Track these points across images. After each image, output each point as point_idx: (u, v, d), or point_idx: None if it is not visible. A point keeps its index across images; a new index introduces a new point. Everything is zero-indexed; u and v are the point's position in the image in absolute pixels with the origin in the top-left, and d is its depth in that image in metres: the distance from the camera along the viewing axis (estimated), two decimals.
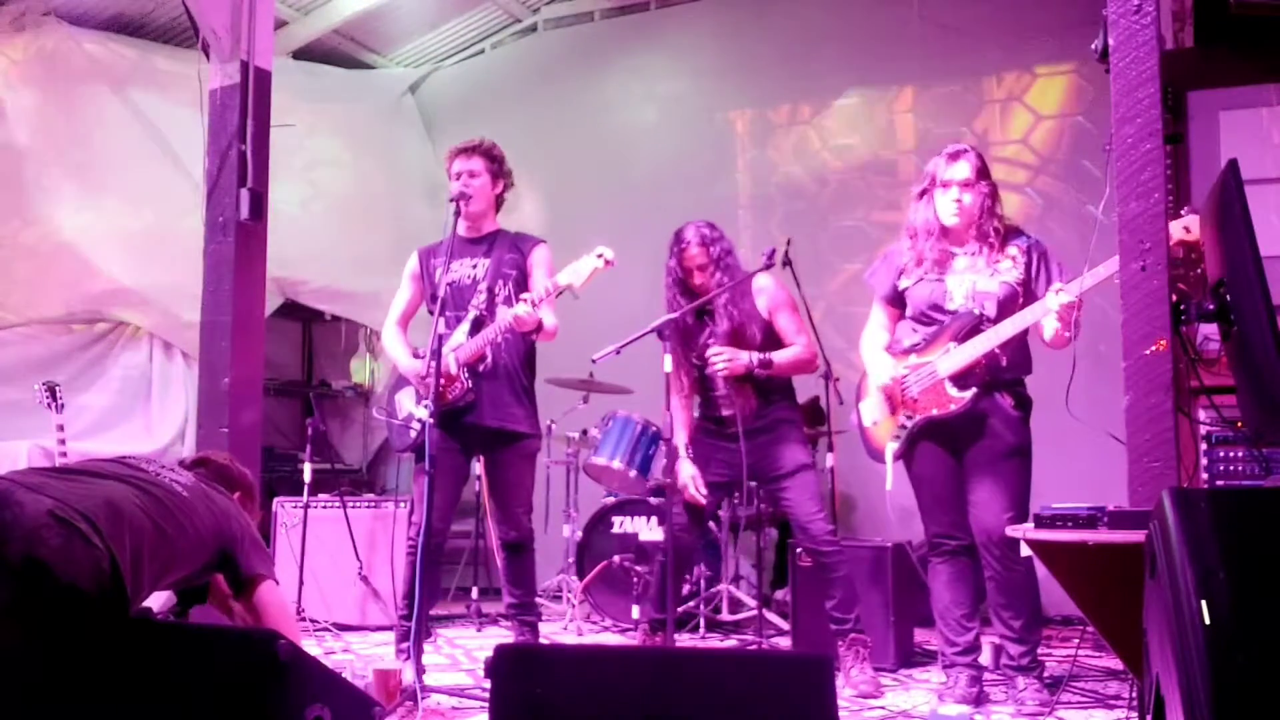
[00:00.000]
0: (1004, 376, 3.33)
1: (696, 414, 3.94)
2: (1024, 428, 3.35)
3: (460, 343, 3.66)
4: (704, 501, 3.75)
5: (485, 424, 3.70)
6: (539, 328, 3.60)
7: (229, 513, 2.66)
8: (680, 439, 3.82)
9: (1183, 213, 2.77)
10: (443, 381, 3.56)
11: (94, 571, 2.12)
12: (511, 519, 3.80)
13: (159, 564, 2.38)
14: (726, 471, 3.81)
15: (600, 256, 3.43)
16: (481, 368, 3.70)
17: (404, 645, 3.69)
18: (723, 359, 3.66)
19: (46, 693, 1.98)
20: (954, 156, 3.36)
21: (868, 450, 3.57)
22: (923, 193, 3.42)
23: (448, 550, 4.37)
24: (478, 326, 3.66)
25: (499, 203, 3.88)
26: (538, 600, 5.27)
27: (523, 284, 3.74)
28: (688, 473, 3.78)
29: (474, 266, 3.78)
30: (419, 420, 3.79)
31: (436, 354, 3.45)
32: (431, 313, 3.76)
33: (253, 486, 3.04)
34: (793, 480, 3.73)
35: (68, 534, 2.12)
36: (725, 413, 3.79)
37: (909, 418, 3.40)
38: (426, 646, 3.98)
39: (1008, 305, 3.30)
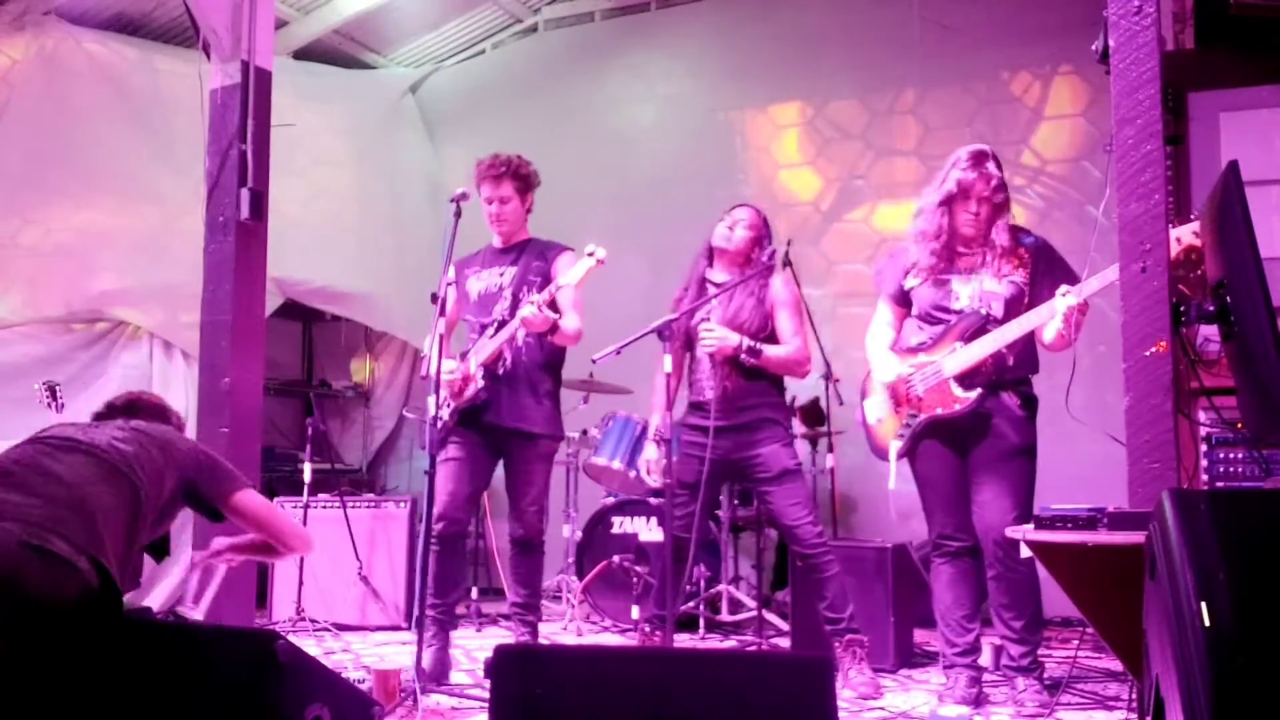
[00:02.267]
0: (1010, 376, 3.33)
1: (669, 415, 3.93)
2: (1029, 427, 3.35)
3: (483, 345, 3.74)
4: (655, 485, 3.76)
5: (503, 424, 3.76)
6: (553, 329, 3.63)
7: (170, 441, 2.49)
8: (654, 421, 3.86)
9: (1174, 222, 2.76)
10: (461, 381, 3.72)
11: (82, 590, 2.00)
12: (519, 515, 3.84)
13: (135, 534, 2.28)
14: (705, 470, 3.79)
15: (591, 255, 3.46)
16: (500, 369, 3.75)
17: (429, 636, 3.77)
18: (713, 336, 3.66)
19: (47, 694, 1.98)
20: (977, 164, 3.32)
21: (872, 448, 3.58)
22: (943, 200, 3.35)
23: None
24: (500, 329, 3.72)
25: (528, 212, 3.98)
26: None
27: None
28: (650, 455, 3.85)
29: (501, 275, 3.87)
30: (441, 420, 3.84)
31: (438, 357, 3.49)
32: (470, 320, 3.91)
33: (183, 425, 2.85)
34: (778, 486, 3.71)
35: (46, 564, 1.96)
36: (708, 395, 3.76)
37: (913, 416, 3.40)
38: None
39: (1014, 305, 3.30)
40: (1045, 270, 3.34)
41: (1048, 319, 3.17)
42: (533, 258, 3.88)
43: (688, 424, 3.85)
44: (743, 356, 3.67)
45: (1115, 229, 2.72)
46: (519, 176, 3.88)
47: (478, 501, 4.04)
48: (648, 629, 3.93)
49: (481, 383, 3.71)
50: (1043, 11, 5.53)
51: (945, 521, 3.42)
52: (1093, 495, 2.57)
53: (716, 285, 3.82)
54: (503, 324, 3.74)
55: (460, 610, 4.07)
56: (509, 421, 3.76)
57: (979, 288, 3.35)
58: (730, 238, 3.83)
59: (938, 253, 3.38)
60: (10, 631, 1.91)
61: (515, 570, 3.90)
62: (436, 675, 3.66)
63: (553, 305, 3.58)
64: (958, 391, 3.31)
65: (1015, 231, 3.41)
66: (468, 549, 4.22)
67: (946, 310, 3.38)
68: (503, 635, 4.72)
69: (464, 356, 3.85)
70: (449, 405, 3.81)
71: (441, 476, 3.68)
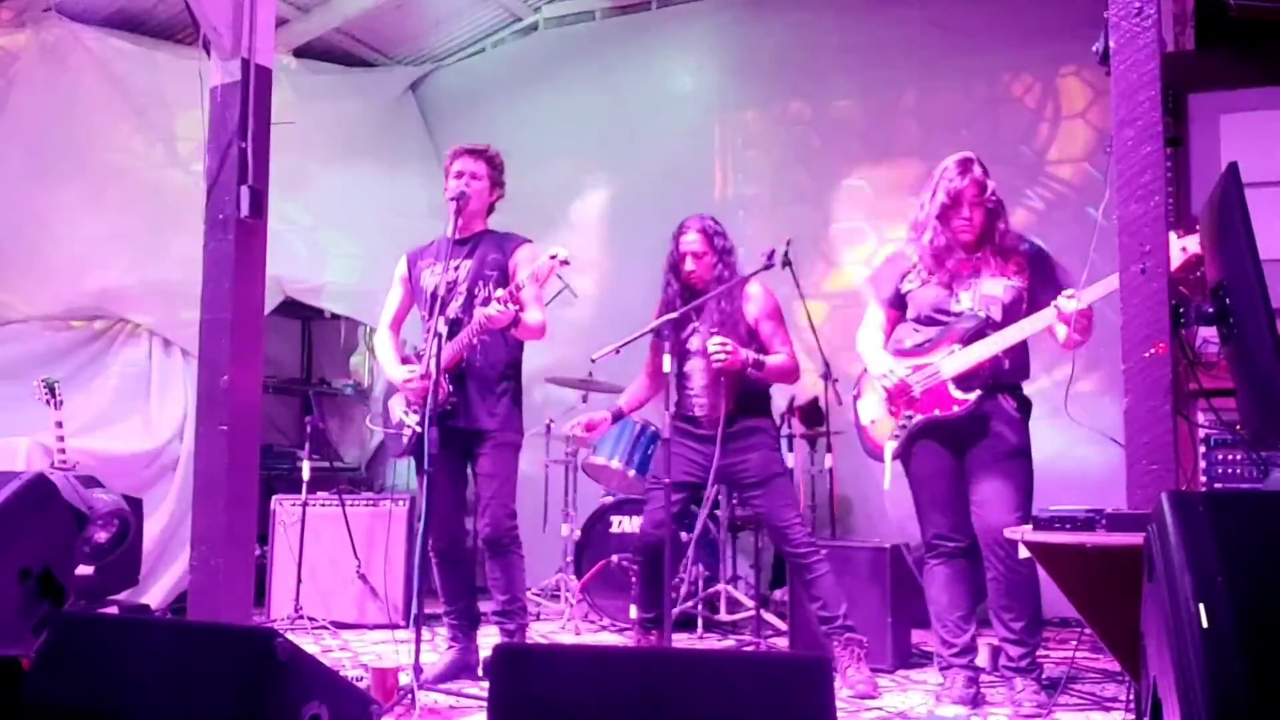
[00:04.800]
0: (1006, 379, 3.34)
1: (670, 410, 3.93)
2: (1025, 429, 3.37)
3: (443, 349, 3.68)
4: (587, 437, 4.03)
5: (460, 426, 3.72)
6: (515, 323, 3.58)
7: None
8: (621, 401, 4.05)
9: (1180, 231, 2.77)
10: (427, 388, 3.58)
11: None
12: (482, 513, 3.78)
13: None
14: (696, 472, 3.81)
15: (554, 257, 3.43)
16: (458, 370, 3.71)
17: (452, 640, 3.88)
18: (725, 350, 3.64)
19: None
20: (964, 172, 3.33)
21: (865, 449, 3.58)
22: (939, 211, 3.34)
23: None
24: (455, 329, 3.66)
25: (489, 210, 3.94)
26: (535, 598, 5.29)
27: (504, 284, 3.71)
28: (583, 419, 4.05)
29: (456, 268, 3.79)
30: (409, 427, 3.85)
31: (437, 355, 3.48)
32: (424, 315, 3.81)
33: None
34: (766, 488, 3.75)
35: None
36: (698, 412, 3.80)
37: (909, 417, 3.40)
38: (425, 646, 3.99)
39: (1013, 310, 3.31)
40: (1043, 276, 3.35)
41: (1049, 322, 3.18)
42: (489, 250, 3.82)
43: (676, 427, 3.85)
44: (749, 371, 3.70)
45: (1115, 231, 2.72)
46: (494, 165, 3.88)
47: (465, 504, 4.02)
48: (641, 628, 3.93)
49: (450, 387, 3.68)
50: (1043, 13, 5.53)
51: (941, 522, 3.43)
52: (1091, 497, 2.57)
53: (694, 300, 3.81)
54: (457, 322, 3.67)
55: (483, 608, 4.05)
56: (464, 423, 3.72)
57: (979, 291, 3.35)
58: (696, 274, 3.83)
59: (939, 262, 3.38)
60: None
61: (490, 574, 3.84)
62: (454, 675, 3.71)
63: (513, 298, 3.54)
64: (956, 393, 3.31)
65: (1014, 237, 3.42)
66: (469, 553, 4.21)
67: (946, 313, 3.39)
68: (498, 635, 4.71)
69: (419, 357, 3.81)
70: (415, 412, 3.79)
71: (426, 484, 3.59)
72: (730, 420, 3.73)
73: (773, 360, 3.76)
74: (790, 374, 3.87)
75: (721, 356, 3.64)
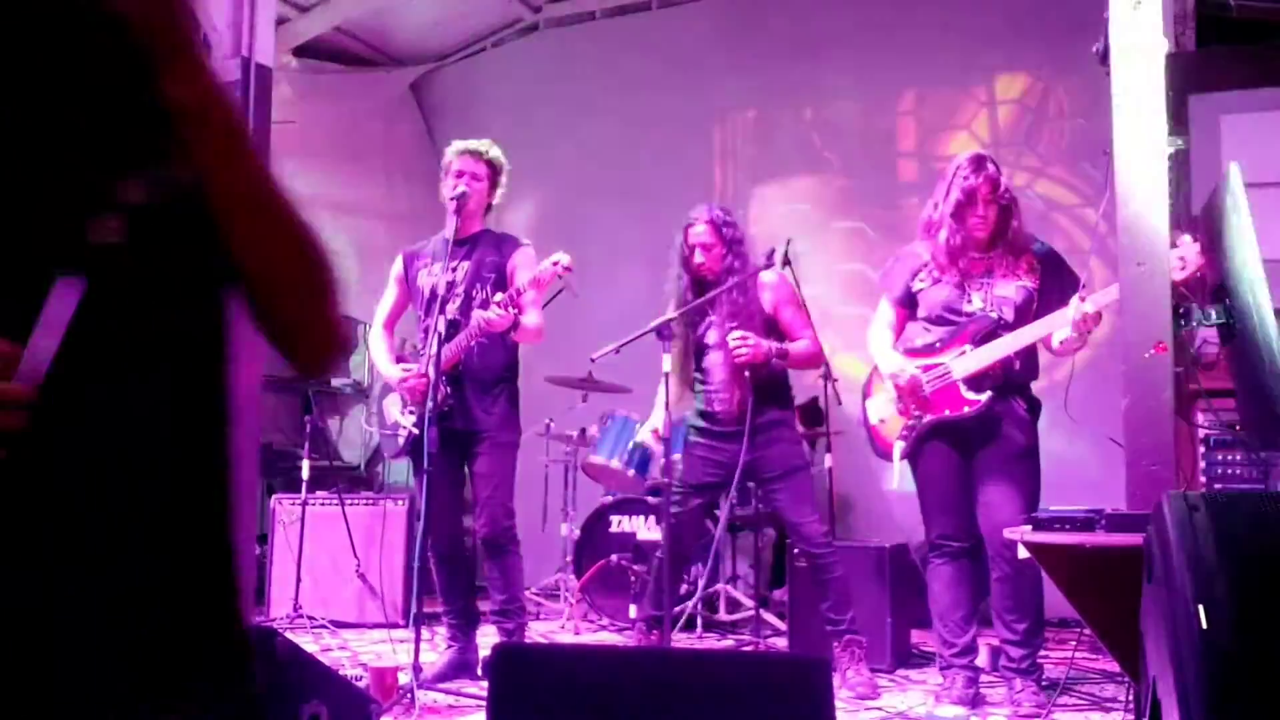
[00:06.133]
0: (1016, 380, 3.34)
1: (687, 412, 3.92)
2: (1034, 430, 3.36)
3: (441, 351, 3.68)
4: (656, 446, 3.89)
5: (457, 427, 3.71)
6: (514, 326, 3.58)
7: None
8: (659, 418, 3.73)
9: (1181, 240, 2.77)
10: (424, 389, 3.60)
11: None
12: (480, 511, 3.78)
13: None
14: (717, 472, 3.80)
15: (557, 264, 3.42)
16: (456, 372, 3.71)
17: (451, 639, 3.86)
18: (747, 344, 3.63)
19: None
20: (978, 169, 3.32)
21: (874, 448, 3.57)
22: (955, 209, 3.32)
23: None
24: (453, 330, 3.66)
25: (486, 210, 3.93)
26: (534, 598, 5.29)
27: (501, 286, 3.71)
28: (650, 425, 4.03)
29: (454, 270, 3.77)
30: (404, 428, 3.84)
31: (437, 356, 3.48)
32: (420, 315, 3.82)
33: None
34: (786, 482, 3.73)
35: None
36: (717, 408, 3.78)
37: (919, 417, 3.39)
38: (424, 645, 3.99)
39: (1024, 311, 3.30)
40: (1054, 277, 3.34)
41: (1059, 326, 3.17)
42: (487, 251, 3.81)
43: (696, 427, 3.85)
44: (774, 361, 3.69)
45: (1114, 232, 2.72)
46: (495, 167, 3.87)
47: (464, 504, 4.01)
48: (644, 628, 3.93)
49: (448, 389, 3.66)
50: (1043, 13, 5.53)
51: (946, 522, 3.42)
52: (1091, 497, 2.57)
53: (705, 293, 3.79)
54: (455, 324, 3.66)
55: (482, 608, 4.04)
56: (461, 423, 3.71)
57: (991, 292, 3.35)
58: (706, 266, 3.81)
59: (953, 260, 3.37)
60: None
61: (488, 574, 3.83)
62: (453, 675, 3.70)
63: (513, 303, 3.54)
64: (967, 394, 3.30)
65: (1025, 235, 3.41)
66: (468, 553, 4.20)
67: (958, 313, 3.38)
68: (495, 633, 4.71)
69: (436, 356, 3.79)
70: (411, 413, 3.80)
71: (426, 483, 3.56)
72: (753, 411, 3.70)
73: (796, 348, 3.75)
74: (815, 359, 3.86)
75: (744, 350, 3.63)
